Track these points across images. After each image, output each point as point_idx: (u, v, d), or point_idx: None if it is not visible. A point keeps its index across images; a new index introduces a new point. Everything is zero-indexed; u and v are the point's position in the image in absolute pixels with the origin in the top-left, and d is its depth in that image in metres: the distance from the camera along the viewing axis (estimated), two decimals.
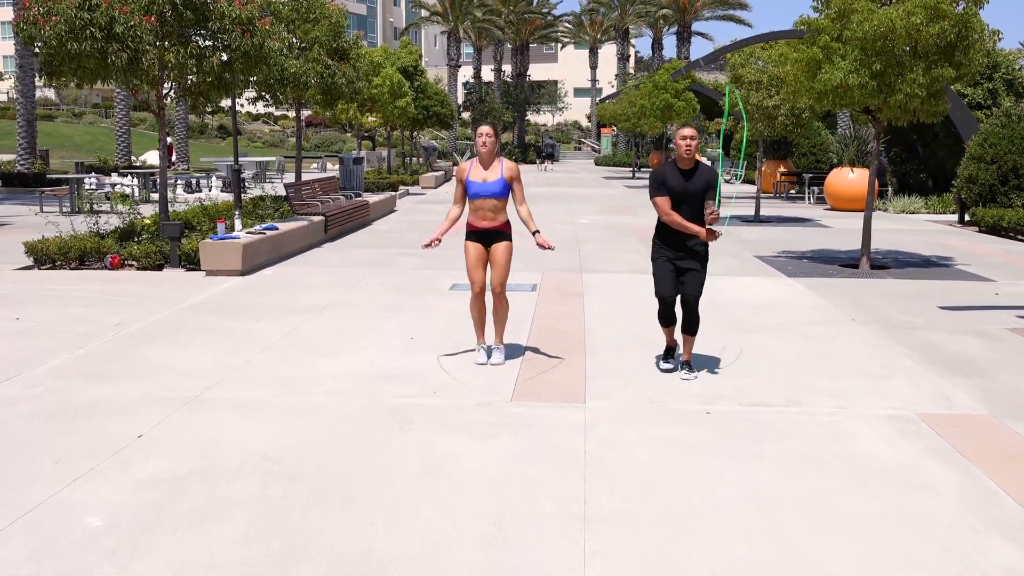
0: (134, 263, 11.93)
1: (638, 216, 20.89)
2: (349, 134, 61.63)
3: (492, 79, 62.68)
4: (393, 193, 23.00)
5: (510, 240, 7.21)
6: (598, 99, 63.85)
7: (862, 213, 23.04)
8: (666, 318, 7.09)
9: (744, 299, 10.10)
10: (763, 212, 21.47)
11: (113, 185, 24.05)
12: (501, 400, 6.25)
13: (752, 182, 30.33)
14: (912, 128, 23.72)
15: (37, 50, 12.23)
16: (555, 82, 79.05)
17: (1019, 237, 16.57)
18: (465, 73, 68.46)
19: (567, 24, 69.33)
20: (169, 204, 17.56)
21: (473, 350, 7.52)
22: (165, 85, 12.91)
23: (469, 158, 51.78)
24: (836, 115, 34.45)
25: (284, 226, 13.14)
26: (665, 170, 6.92)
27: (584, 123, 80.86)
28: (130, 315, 8.98)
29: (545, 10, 62.27)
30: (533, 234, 7.11)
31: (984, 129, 19.02)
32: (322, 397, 6.30)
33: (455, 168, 7.33)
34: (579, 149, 74.48)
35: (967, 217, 19.28)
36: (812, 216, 21.20)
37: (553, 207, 23.21)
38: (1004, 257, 14.08)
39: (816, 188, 26.04)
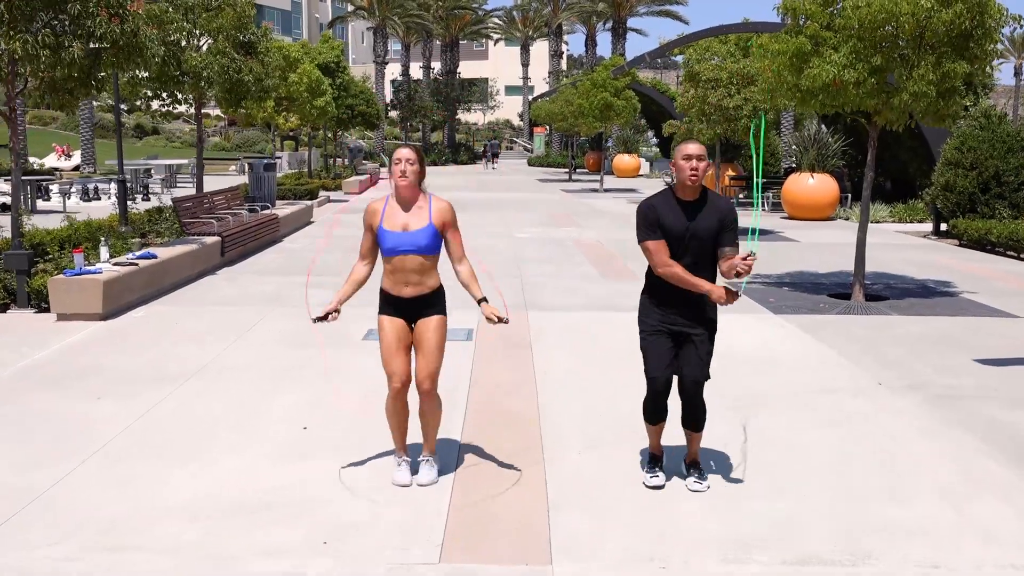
0: None
1: (583, 228, 18.87)
2: (275, 133, 58.76)
3: (421, 76, 60.33)
4: (310, 202, 20.64)
5: (443, 313, 5.00)
6: (531, 97, 61.94)
7: (824, 222, 21.48)
8: (656, 410, 4.99)
9: (735, 350, 8.07)
10: None
11: None
12: (425, 562, 4.11)
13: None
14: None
15: None
16: (486, 80, 76.86)
17: (1009, 253, 14.90)
18: (393, 71, 65.96)
19: (498, 20, 67.22)
20: (56, 216, 15.09)
21: (388, 453, 5.34)
22: (18, 81, 10.49)
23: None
24: (779, 115, 32.90)
25: (167, 252, 10.79)
26: (656, 202, 4.83)
27: (516, 122, 78.89)
28: None
29: (475, 5, 60.09)
30: (479, 303, 4.97)
31: (961, 132, 17.35)
32: (151, 561, 4.09)
33: (364, 208, 4.79)
34: (511, 149, 72.53)
35: (943, 227, 17.63)
36: (772, 227, 19.39)
37: (487, 216, 21.04)
38: (1009, 281, 12.30)
39: (770, 193, 24.32)
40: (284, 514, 4.60)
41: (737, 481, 5.06)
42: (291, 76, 23.26)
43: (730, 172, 27.83)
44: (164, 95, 15.96)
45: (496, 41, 73.46)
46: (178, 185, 30.61)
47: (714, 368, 7.28)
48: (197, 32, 15.68)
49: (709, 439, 5.65)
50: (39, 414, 6.15)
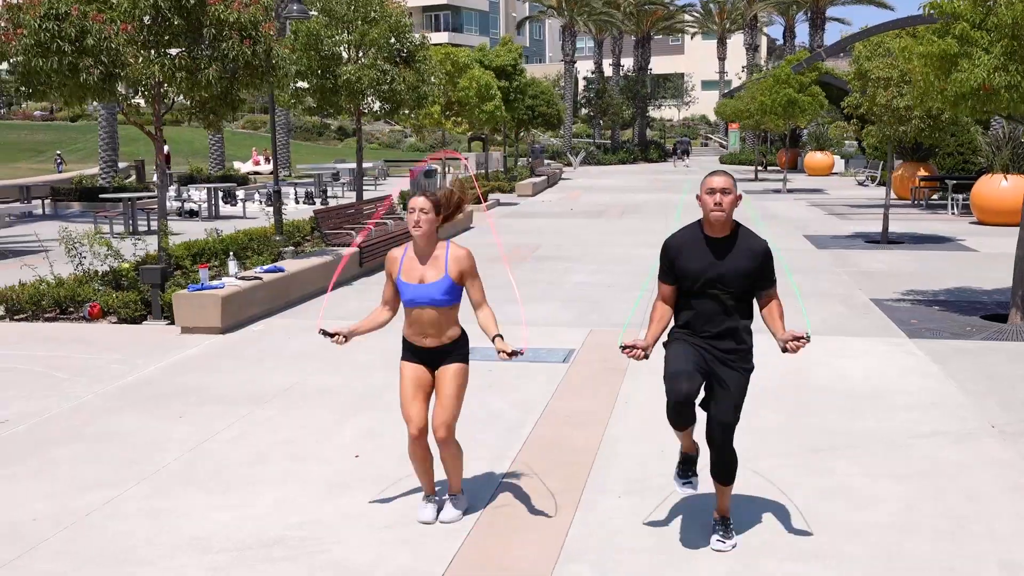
0: (115, 315, 10.15)
1: None
2: (469, 134, 59.94)
3: (611, 74, 60.01)
4: (470, 208, 20.85)
5: (464, 362, 4.93)
6: (725, 92, 60.41)
7: (1017, 229, 19.67)
8: (682, 414, 4.37)
9: (840, 380, 7.51)
10: (895, 227, 18.42)
11: (183, 201, 22.79)
12: None
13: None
14: None
15: (8, 67, 10.56)
16: (681, 75, 75.67)
17: None
18: (587, 67, 65.98)
19: (695, 12, 66.03)
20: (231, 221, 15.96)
21: (420, 490, 5.23)
22: (164, 102, 11.12)
23: (583, 159, 49.37)
24: None
25: (297, 264, 11.15)
26: (676, 241, 4.51)
27: (712, 118, 77.19)
28: (35, 405, 7.09)
29: (667, 0, 59.12)
30: (492, 340, 4.82)
31: None
32: None
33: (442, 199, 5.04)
34: (706, 145, 71.08)
35: None
36: (954, 234, 18.04)
37: (647, 222, 20.65)
38: None
39: (961, 196, 22.66)
40: (292, 552, 4.60)
41: (775, 540, 4.66)
42: (461, 81, 23.62)
43: (922, 172, 26.17)
44: (327, 106, 16.62)
45: (692, 35, 72.28)
46: (362, 188, 31.69)
47: (807, 393, 6.86)
48: (354, 43, 16.17)
49: (768, 488, 5.26)
50: (121, 433, 6.45)
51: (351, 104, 16.47)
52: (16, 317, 10.32)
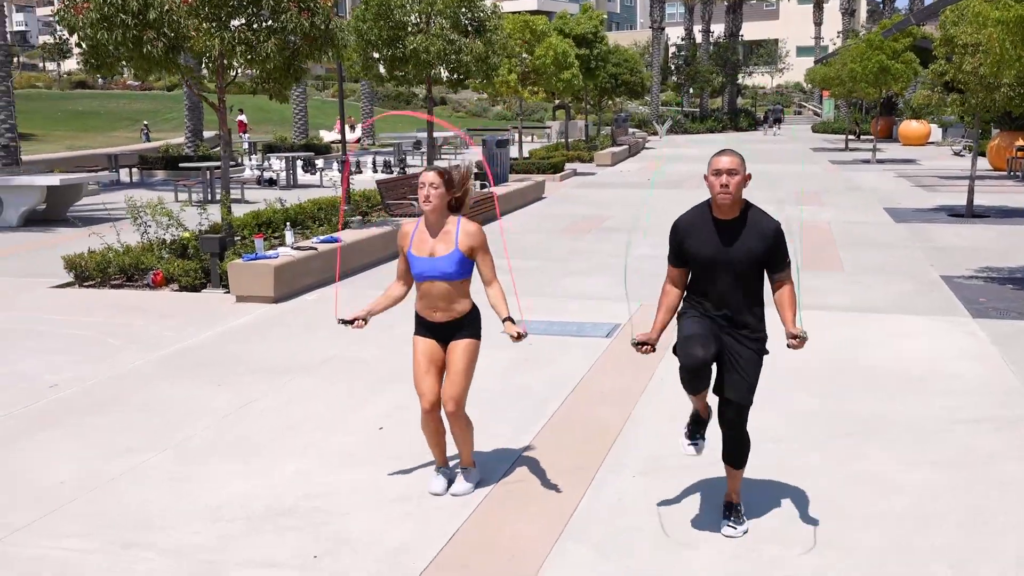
0: (177, 282, 10.41)
1: (824, 206, 17.69)
2: (557, 101, 59.46)
3: (700, 40, 58.82)
4: (544, 178, 20.74)
5: (475, 337, 4.92)
6: (817, 59, 58.76)
7: None
8: (696, 379, 4.25)
9: (889, 361, 7.27)
10: (985, 200, 17.75)
11: (262, 170, 23.19)
12: None
13: (979, 152, 25.91)
14: None
15: (78, 40, 10.82)
16: (775, 41, 73.82)
17: None
18: (677, 34, 64.85)
19: None
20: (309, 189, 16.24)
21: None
22: (228, 74, 11.31)
23: (670, 128, 48.67)
24: None
25: (355, 235, 11.25)
26: (684, 222, 4.39)
27: (807, 85, 75.25)
28: (86, 370, 7.32)
29: None
30: (503, 322, 4.80)
31: None
32: (151, 560, 4.28)
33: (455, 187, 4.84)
34: (799, 113, 69.37)
35: None
36: None
37: None
38: None
39: None
40: (299, 523, 4.66)
41: (787, 527, 4.54)
42: (537, 50, 23.45)
43: (1020, 141, 25.07)
44: (399, 75, 16.69)
45: None
46: (441, 157, 31.87)
47: (850, 374, 6.67)
48: (424, 13, 16.14)
49: (792, 472, 5.13)
50: (162, 400, 6.62)
51: (419, 74, 16.49)
52: (85, 284, 10.66)
